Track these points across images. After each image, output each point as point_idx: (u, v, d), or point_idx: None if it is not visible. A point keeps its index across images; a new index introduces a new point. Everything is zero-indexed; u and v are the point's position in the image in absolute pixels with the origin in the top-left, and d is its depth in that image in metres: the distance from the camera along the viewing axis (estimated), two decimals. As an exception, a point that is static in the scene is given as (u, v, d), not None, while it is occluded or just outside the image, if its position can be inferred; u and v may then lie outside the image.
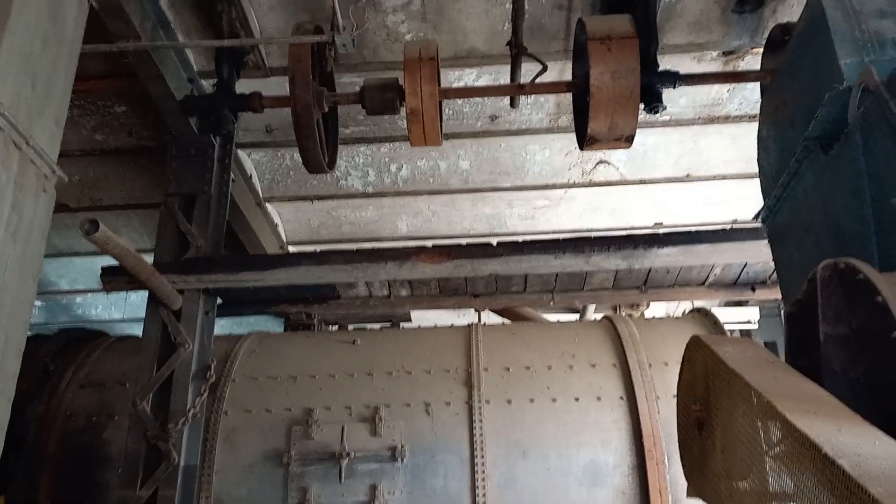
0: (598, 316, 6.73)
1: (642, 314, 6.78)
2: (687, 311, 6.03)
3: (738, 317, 7.72)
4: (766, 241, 3.54)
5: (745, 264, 5.21)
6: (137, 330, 5.14)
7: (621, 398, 4.83)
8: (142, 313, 4.89)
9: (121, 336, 5.99)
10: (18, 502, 4.78)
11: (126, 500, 4.38)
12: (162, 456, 4.49)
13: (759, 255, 4.80)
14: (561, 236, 5.06)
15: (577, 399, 4.85)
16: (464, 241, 5.09)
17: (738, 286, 5.79)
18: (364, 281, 5.18)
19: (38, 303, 7.32)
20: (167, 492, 4.43)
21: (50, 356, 5.20)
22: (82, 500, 4.80)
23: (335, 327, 6.59)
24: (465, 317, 7.10)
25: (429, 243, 5.07)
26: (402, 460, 4.68)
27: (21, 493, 4.79)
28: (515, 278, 5.30)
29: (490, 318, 7.06)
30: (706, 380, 2.76)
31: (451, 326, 5.71)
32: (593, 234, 5.46)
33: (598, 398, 4.85)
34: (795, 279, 2.76)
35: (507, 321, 7.11)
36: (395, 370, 5.12)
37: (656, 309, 7.37)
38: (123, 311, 8.00)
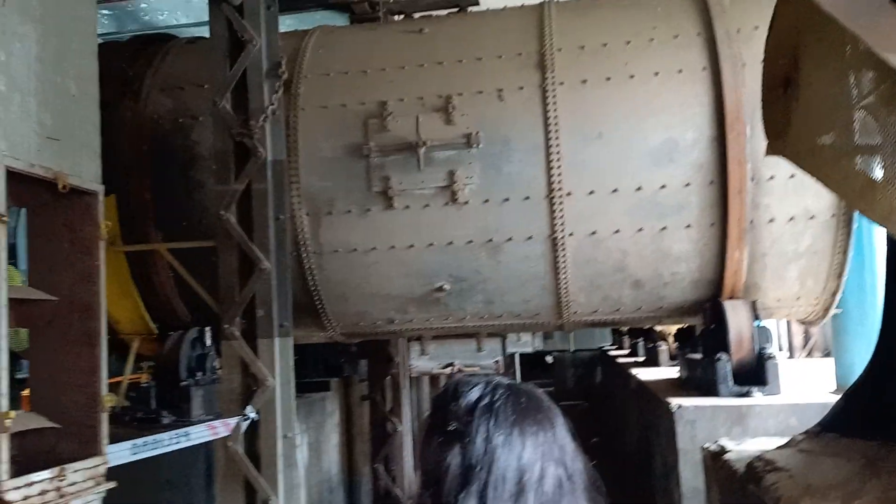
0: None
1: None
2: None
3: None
4: None
5: None
6: (205, 34, 5.07)
7: (704, 69, 4.58)
8: (207, 17, 4.77)
9: (189, 38, 5.94)
10: (129, 205, 5.15)
11: (223, 194, 4.69)
12: (249, 152, 4.69)
13: None
14: None
15: (656, 74, 4.64)
16: None
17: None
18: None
19: (104, 11, 7.21)
20: (259, 185, 4.71)
21: (126, 61, 5.26)
22: (183, 199, 5.17)
23: (400, 17, 6.31)
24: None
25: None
26: (478, 146, 4.74)
27: (127, 196, 5.15)
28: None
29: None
30: (797, 31, 2.54)
31: (522, 7, 5.36)
32: None
33: (680, 71, 4.61)
34: None
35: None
36: (465, 57, 4.97)
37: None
38: (188, 15, 7.82)
